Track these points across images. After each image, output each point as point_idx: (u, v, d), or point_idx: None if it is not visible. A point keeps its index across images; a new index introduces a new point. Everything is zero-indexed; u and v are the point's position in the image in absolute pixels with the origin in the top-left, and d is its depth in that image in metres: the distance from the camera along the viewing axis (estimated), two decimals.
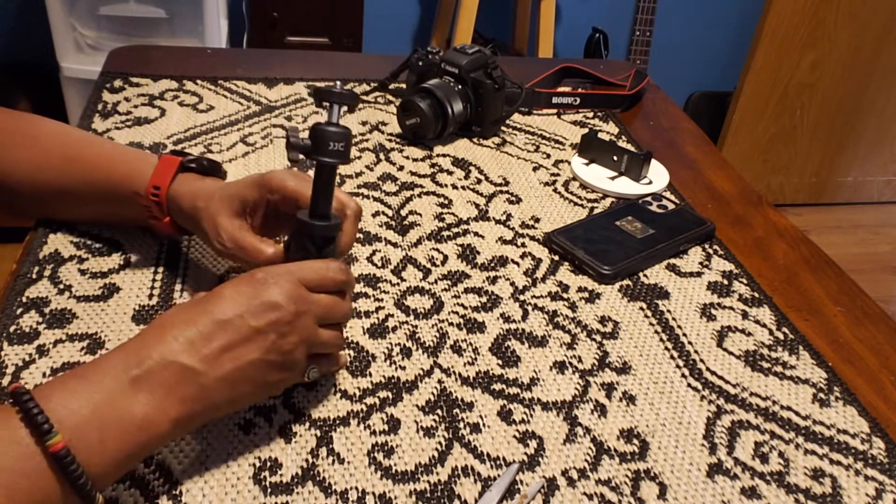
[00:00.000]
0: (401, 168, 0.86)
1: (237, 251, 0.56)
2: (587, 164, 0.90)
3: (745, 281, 0.74)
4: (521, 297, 0.68)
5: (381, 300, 0.66)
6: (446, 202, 0.81)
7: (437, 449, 0.53)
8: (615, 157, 0.89)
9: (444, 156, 0.90)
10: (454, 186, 0.84)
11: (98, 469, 0.41)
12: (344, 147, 0.51)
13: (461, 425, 0.55)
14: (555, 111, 1.04)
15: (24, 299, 0.60)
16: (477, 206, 0.81)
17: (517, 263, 0.72)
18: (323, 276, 0.51)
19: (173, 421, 0.44)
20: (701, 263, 0.76)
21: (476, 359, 0.61)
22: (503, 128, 0.98)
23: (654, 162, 0.90)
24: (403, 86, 1.03)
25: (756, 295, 0.72)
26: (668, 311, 0.68)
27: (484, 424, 0.55)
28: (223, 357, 0.45)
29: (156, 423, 0.43)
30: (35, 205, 0.68)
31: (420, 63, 0.95)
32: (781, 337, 0.67)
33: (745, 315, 0.69)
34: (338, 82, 0.51)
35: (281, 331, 0.47)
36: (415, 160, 0.88)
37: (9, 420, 0.40)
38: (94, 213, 0.68)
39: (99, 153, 0.65)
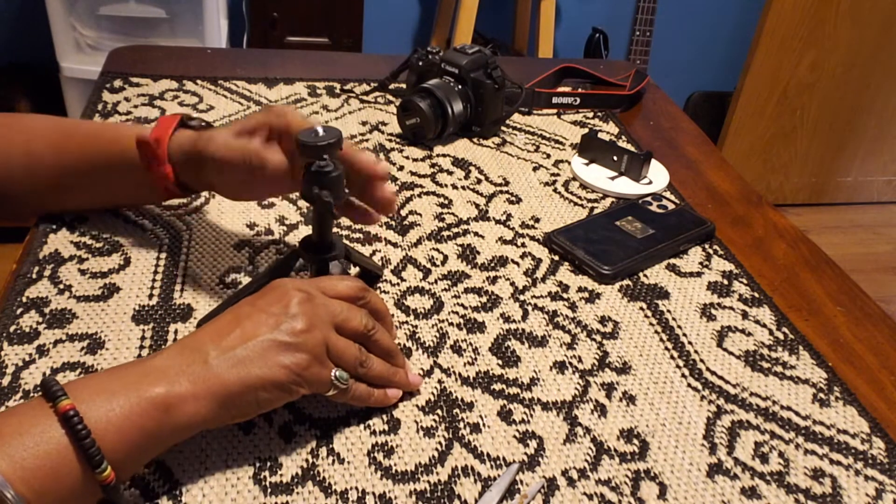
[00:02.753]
0: (401, 168, 0.86)
1: (245, 154, 0.58)
2: (587, 164, 0.90)
3: (745, 281, 0.74)
4: (521, 297, 0.68)
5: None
6: (446, 202, 0.81)
7: (437, 449, 0.53)
8: (615, 157, 0.89)
9: (444, 156, 0.90)
10: (454, 186, 0.84)
11: (108, 437, 0.42)
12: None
13: (461, 425, 0.55)
14: (555, 111, 1.04)
15: (24, 299, 0.60)
16: (477, 206, 0.81)
17: (517, 263, 0.72)
18: (334, 285, 0.54)
19: (183, 399, 0.44)
20: (701, 263, 0.76)
21: (476, 359, 0.61)
22: (503, 128, 0.98)
23: (654, 162, 0.90)
24: (403, 86, 1.03)
25: (756, 295, 0.72)
26: (668, 311, 0.68)
27: (484, 424, 0.55)
28: (232, 334, 0.48)
29: (167, 402, 0.44)
30: (31, 197, 0.67)
31: (420, 63, 0.95)
32: (781, 337, 0.67)
33: (745, 315, 0.69)
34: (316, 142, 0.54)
35: (290, 311, 0.49)
36: (415, 160, 0.88)
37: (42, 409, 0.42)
38: (94, 194, 0.68)
39: (94, 127, 0.69)
